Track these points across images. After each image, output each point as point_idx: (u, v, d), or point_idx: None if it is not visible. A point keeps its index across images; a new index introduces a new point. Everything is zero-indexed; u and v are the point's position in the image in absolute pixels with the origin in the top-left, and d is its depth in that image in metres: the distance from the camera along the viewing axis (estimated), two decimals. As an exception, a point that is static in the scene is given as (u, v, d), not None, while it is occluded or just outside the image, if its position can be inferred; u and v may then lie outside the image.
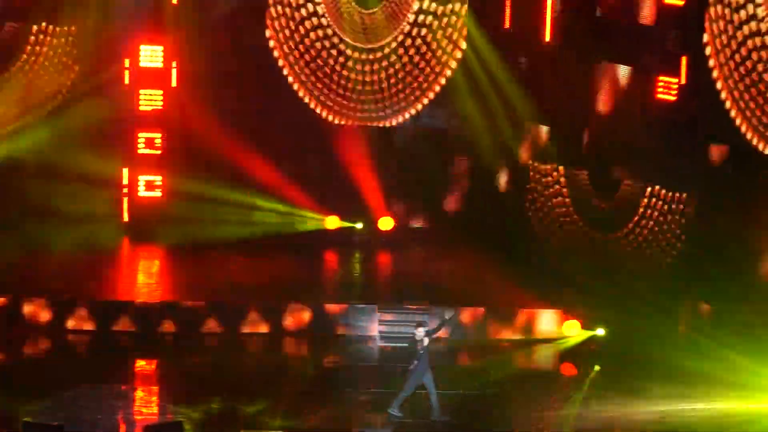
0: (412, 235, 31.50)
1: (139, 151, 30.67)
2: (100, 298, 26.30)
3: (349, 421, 21.78)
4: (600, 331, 25.87)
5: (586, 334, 25.94)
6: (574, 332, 25.89)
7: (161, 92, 30.54)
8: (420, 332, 21.55)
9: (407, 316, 26.18)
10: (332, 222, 31.06)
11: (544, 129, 30.34)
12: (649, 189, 27.62)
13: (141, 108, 30.48)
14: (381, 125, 31.06)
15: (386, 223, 31.24)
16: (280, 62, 30.33)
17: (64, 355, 24.84)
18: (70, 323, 25.58)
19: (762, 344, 23.55)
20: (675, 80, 26.93)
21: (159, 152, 30.67)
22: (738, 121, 25.39)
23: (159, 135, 30.62)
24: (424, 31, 30.50)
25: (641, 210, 27.80)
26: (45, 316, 25.61)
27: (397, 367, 24.60)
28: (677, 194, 26.96)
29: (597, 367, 25.02)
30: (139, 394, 23.14)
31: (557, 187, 29.49)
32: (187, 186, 30.52)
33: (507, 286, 27.61)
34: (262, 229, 30.78)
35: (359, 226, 31.33)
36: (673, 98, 27.00)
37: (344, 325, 26.21)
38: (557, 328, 26.06)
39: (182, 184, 30.58)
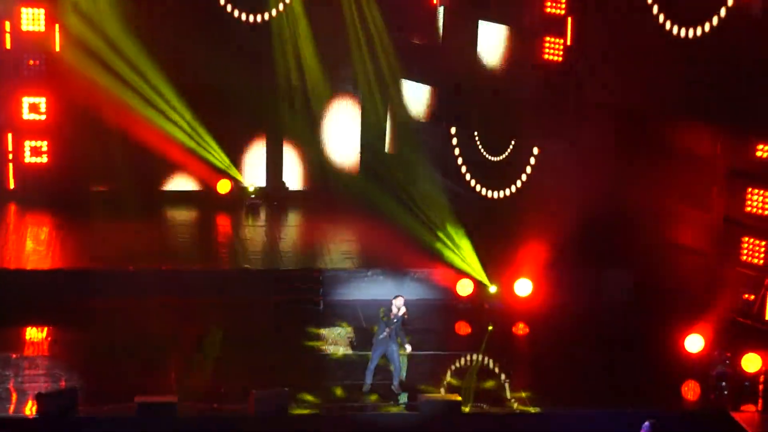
0: (294, 196, 31.47)
1: (24, 117, 30.08)
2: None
3: (243, 385, 21.82)
4: (492, 289, 26.21)
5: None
6: (467, 291, 26.15)
7: (44, 56, 29.93)
8: (399, 302, 21.45)
9: (302, 280, 26.31)
10: (224, 186, 30.84)
11: (428, 88, 30.50)
12: (536, 148, 28.01)
13: (24, 73, 29.84)
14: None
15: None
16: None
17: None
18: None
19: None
20: (560, 41, 27.31)
21: (44, 117, 30.11)
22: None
23: (44, 99, 30.03)
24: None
25: (529, 168, 28.20)
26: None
27: (288, 330, 24.77)
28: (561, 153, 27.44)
29: (490, 327, 25.41)
30: (30, 362, 22.83)
31: (449, 146, 29.72)
32: (74, 150, 30.05)
33: (398, 247, 27.79)
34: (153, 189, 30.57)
35: (252, 188, 31.19)
36: (559, 59, 27.39)
37: (238, 289, 26.16)
38: (450, 287, 26.32)
39: (69, 149, 30.11)
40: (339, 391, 22.00)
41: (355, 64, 30.77)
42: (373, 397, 21.63)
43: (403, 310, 21.41)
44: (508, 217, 28.21)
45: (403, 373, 22.17)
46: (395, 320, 21.37)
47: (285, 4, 30.51)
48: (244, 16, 30.47)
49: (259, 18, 30.54)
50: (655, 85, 25.38)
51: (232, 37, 30.39)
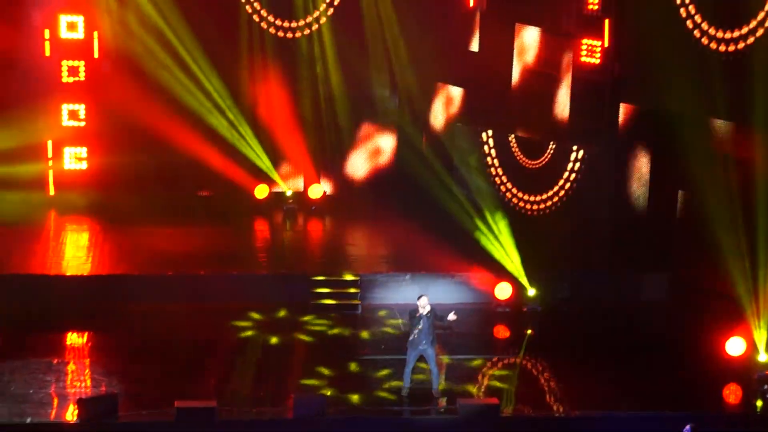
0: (332, 201, 31.56)
1: (63, 124, 30.32)
2: (28, 272, 26.02)
3: (282, 388, 21.86)
4: (531, 292, 26.11)
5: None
6: (506, 294, 26.06)
7: (83, 63, 30.16)
8: (423, 301, 21.40)
9: (340, 285, 26.31)
10: (261, 191, 30.94)
11: (465, 92, 30.47)
12: (573, 151, 27.92)
13: (63, 80, 30.07)
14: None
15: (315, 191, 31.22)
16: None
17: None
18: (-1, 298, 25.32)
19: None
20: (598, 43, 27.22)
21: (83, 124, 30.34)
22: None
23: (83, 106, 30.27)
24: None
25: (566, 172, 28.12)
26: (-28, 291, 25.28)
27: (328, 336, 24.76)
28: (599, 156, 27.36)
29: (529, 331, 25.32)
30: (71, 367, 22.97)
31: (485, 149, 29.69)
32: (112, 157, 30.26)
33: (435, 251, 27.77)
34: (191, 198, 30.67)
35: (289, 192, 31.25)
36: (596, 61, 27.28)
37: (276, 294, 26.19)
38: (489, 290, 26.26)
39: (108, 155, 30.32)
40: (377, 395, 22.02)
41: (392, 68, 30.90)
42: (412, 401, 21.60)
43: (428, 308, 21.37)
44: (546, 219, 28.15)
45: (442, 377, 22.15)
46: (420, 320, 21.33)
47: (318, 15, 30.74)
48: (281, 33, 30.74)
49: (293, 34, 30.82)
50: (692, 88, 25.24)
51: (266, 45, 30.61)
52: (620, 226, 27.11)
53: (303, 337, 24.77)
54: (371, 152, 32.08)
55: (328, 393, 21.57)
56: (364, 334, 24.96)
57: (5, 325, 24.23)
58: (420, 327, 21.32)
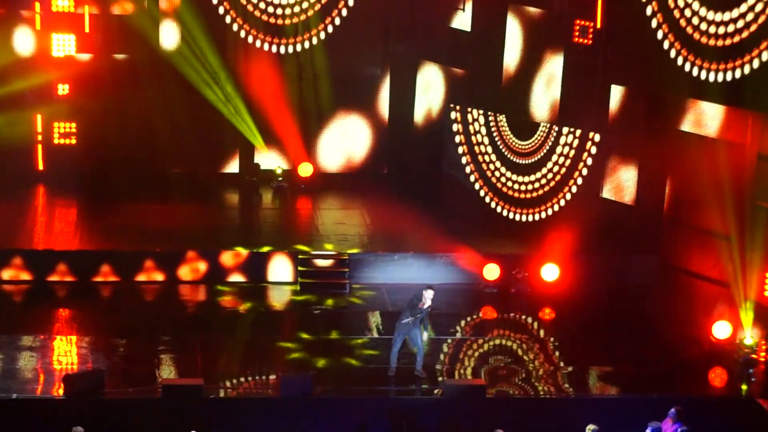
0: (322, 179, 31.55)
1: (53, 98, 30.18)
2: (17, 247, 25.96)
3: (268, 366, 21.90)
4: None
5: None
6: (494, 275, 26.10)
7: (74, 36, 29.99)
8: (429, 294, 21.36)
9: (328, 263, 26.33)
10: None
11: (457, 72, 30.40)
12: (564, 132, 27.88)
13: (54, 53, 29.92)
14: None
15: (305, 169, 31.16)
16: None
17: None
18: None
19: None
20: (590, 24, 27.16)
21: (72, 99, 30.20)
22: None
23: (72, 81, 30.11)
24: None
25: (557, 154, 28.08)
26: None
27: (313, 311, 24.81)
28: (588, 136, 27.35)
29: (517, 312, 25.38)
30: (57, 343, 22.96)
31: (476, 128, 29.62)
32: (102, 132, 30.15)
33: (424, 231, 27.78)
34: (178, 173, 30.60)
35: (279, 170, 31.16)
36: (588, 42, 27.23)
37: (264, 272, 26.19)
38: (477, 271, 26.30)
39: (97, 130, 30.20)
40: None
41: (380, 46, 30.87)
42: (398, 381, 21.63)
43: (429, 303, 21.37)
44: (535, 201, 28.16)
45: (426, 347, 22.15)
46: (420, 312, 21.34)
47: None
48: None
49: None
50: (684, 70, 25.21)
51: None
52: (609, 208, 27.08)
53: (290, 314, 24.85)
54: (358, 132, 31.93)
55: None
56: (351, 313, 25.00)
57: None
58: (417, 316, 21.34)
